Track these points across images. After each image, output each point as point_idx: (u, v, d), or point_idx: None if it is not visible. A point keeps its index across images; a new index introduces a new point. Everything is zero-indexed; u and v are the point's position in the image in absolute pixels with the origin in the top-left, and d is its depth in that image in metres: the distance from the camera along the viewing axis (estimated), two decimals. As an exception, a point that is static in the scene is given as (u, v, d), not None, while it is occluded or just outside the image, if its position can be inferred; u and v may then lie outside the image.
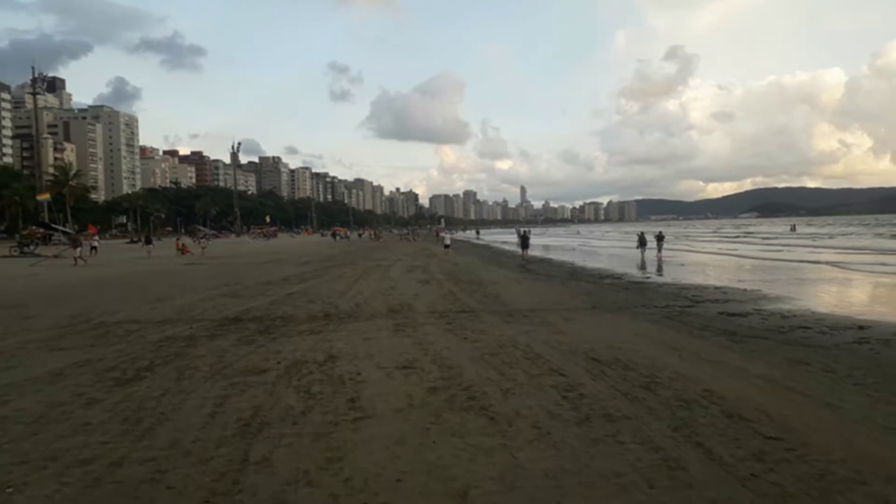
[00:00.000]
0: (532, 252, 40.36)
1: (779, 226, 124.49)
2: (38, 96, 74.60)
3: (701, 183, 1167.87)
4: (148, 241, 44.22)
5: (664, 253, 32.69)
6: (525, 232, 38.89)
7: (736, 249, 41.76)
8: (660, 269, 24.61)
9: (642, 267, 25.69)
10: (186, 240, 59.85)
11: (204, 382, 6.35)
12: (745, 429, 4.88)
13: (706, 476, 3.94)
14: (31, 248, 42.07)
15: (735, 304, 13.35)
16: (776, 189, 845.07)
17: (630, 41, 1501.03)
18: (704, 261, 31.44)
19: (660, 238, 32.50)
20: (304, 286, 17.66)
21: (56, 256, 38.30)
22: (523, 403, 5.55)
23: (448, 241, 42.39)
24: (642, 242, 32.19)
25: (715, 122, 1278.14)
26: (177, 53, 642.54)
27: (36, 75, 72.27)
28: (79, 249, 40.18)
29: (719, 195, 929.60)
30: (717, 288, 16.93)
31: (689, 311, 12.38)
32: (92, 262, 34.93)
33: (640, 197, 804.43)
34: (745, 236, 71.15)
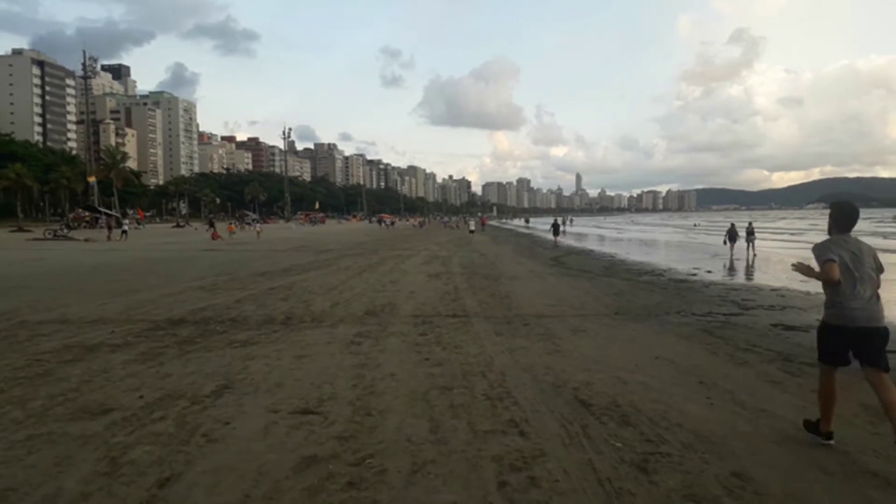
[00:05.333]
0: (578, 243, 37.98)
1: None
2: (103, 82, 76.27)
3: (765, 172, 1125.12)
4: (211, 225, 47.13)
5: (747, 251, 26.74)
6: (557, 220, 42.53)
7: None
8: (750, 272, 20.39)
9: (730, 267, 21.89)
10: (221, 225, 60.34)
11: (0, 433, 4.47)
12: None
13: None
14: (65, 231, 41.98)
15: (794, 313, 10.83)
16: (846, 179, 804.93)
17: (693, 24, 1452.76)
18: (768, 255, 28.18)
19: (750, 232, 27.10)
20: (296, 279, 15.86)
21: (87, 240, 37.99)
22: (430, 499, 3.46)
23: (473, 228, 52.77)
24: (731, 237, 27.77)
25: (782, 108, 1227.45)
26: (230, 38, 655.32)
27: (86, 59, 73.36)
28: (112, 231, 40.87)
29: (784, 185, 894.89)
30: (773, 290, 14.32)
31: (735, 321, 9.97)
32: (118, 245, 34.33)
33: (700, 186, 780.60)
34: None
